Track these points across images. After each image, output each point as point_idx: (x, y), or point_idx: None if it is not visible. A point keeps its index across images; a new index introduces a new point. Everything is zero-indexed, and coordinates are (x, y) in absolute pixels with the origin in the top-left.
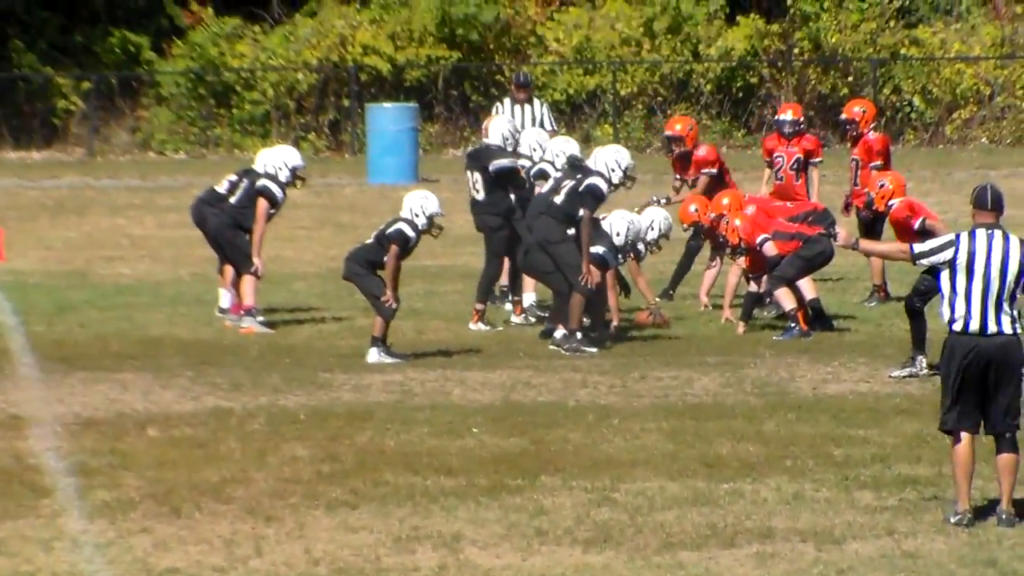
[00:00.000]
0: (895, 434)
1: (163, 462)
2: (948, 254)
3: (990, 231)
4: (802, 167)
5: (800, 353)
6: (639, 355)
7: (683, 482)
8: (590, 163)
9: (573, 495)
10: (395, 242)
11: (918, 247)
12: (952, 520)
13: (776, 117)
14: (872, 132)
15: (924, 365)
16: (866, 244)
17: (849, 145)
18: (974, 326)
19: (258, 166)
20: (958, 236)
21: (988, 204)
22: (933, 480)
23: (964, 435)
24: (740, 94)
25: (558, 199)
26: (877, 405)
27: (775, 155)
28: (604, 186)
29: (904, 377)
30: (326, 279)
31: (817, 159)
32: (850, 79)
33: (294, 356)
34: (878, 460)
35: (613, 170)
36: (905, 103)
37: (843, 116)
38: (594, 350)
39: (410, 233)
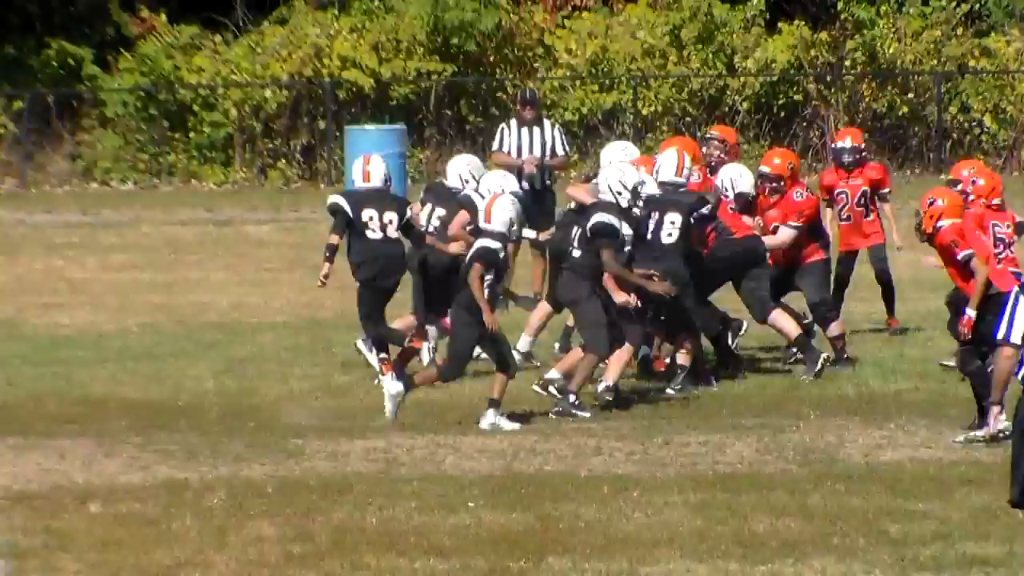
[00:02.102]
0: (960, 508)
1: (107, 542)
2: None
3: None
4: (870, 201)
5: (850, 415)
6: (662, 417)
7: (713, 564)
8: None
9: None
10: (479, 261)
11: (1009, 335)
12: None
13: (833, 145)
14: (798, 192)
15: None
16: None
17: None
18: None
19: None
20: None
21: None
22: (1003, 560)
23: None
24: (782, 113)
25: (576, 253)
26: (939, 475)
27: (837, 191)
28: (614, 220)
29: (972, 442)
30: (298, 329)
31: (885, 189)
32: (910, 96)
33: (260, 419)
34: (940, 538)
35: (620, 193)
36: (974, 123)
37: (764, 168)
38: (587, 415)
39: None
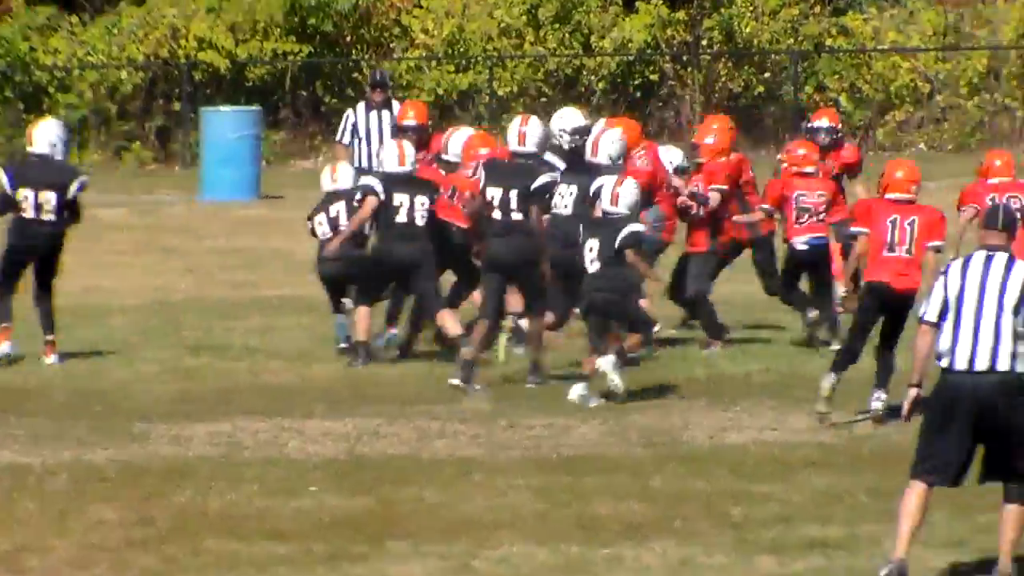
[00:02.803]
0: (802, 490)
1: None
2: (940, 295)
3: (991, 254)
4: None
5: (696, 396)
6: (506, 400)
7: (554, 547)
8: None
9: (426, 563)
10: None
11: (924, 313)
12: (882, 572)
13: (808, 124)
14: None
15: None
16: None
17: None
18: (961, 363)
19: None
20: (947, 268)
21: (999, 223)
22: (845, 543)
23: (920, 484)
24: (638, 93)
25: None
26: (783, 457)
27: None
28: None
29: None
30: (148, 312)
31: (858, 173)
32: (767, 75)
33: (106, 403)
34: (781, 520)
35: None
36: (831, 103)
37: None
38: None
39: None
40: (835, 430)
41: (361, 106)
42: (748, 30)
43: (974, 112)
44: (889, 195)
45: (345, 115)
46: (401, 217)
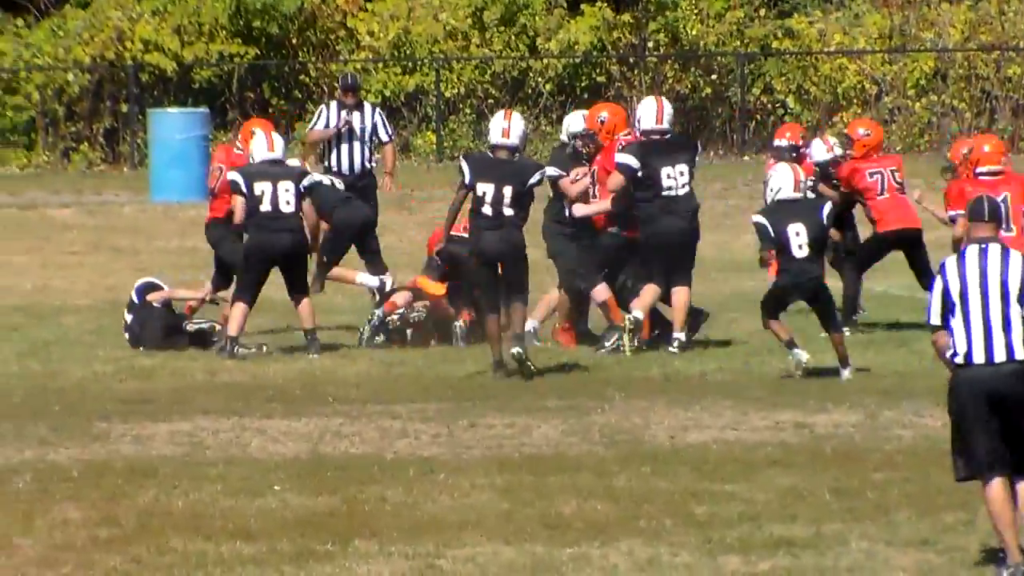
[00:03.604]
0: (766, 489)
1: None
2: (939, 296)
3: (984, 246)
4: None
5: (655, 396)
6: (467, 399)
7: (520, 547)
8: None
9: (392, 563)
10: None
11: (929, 318)
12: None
13: (773, 143)
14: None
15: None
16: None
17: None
18: (978, 357)
19: None
20: (943, 266)
21: (985, 215)
22: (810, 542)
23: (995, 480)
24: (585, 95)
25: None
26: (745, 456)
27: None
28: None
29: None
30: (101, 312)
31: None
32: (713, 77)
33: (65, 402)
34: (747, 519)
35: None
36: (778, 104)
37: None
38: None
39: None
40: (794, 429)
41: (334, 105)
42: (694, 32)
43: (922, 113)
44: (980, 169)
45: (319, 109)
46: (265, 206)
